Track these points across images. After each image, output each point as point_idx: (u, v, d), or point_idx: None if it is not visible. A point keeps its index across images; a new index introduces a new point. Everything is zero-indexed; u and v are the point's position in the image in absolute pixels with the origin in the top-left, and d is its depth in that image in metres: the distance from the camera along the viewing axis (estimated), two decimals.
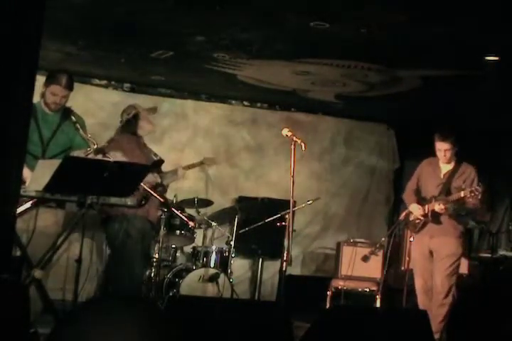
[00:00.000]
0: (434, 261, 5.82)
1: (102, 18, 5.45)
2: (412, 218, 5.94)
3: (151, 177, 5.95)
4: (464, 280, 6.97)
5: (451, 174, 5.86)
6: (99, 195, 4.60)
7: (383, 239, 6.92)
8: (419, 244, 5.91)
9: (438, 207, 5.71)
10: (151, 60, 6.51)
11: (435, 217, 5.80)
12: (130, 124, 6.21)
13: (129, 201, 4.84)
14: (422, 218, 5.84)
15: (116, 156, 5.16)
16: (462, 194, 5.60)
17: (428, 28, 5.12)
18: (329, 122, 8.56)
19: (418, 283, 5.92)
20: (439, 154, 5.84)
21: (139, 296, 5.26)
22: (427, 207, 5.84)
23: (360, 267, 7.19)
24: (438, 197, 5.81)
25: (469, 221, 6.71)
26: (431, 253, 5.85)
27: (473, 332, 3.49)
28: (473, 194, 5.52)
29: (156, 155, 6.36)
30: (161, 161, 6.41)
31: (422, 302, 5.88)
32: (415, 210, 5.89)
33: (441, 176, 5.90)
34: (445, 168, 5.92)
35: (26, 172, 4.56)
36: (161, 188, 6.03)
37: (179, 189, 7.08)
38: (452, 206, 5.71)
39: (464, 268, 7.07)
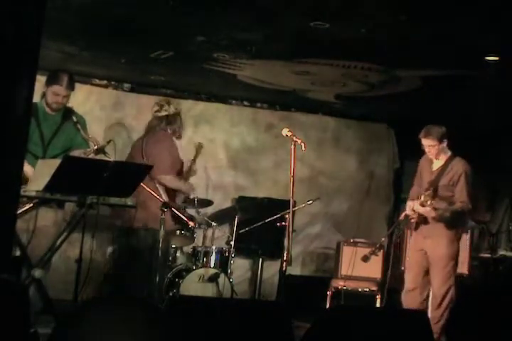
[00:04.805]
0: (430, 264, 5.78)
1: (102, 18, 5.45)
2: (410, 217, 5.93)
3: (183, 186, 6.00)
4: (464, 280, 6.97)
5: (441, 171, 5.85)
6: (99, 195, 4.61)
7: (383, 239, 6.91)
8: (415, 242, 5.91)
9: (422, 209, 5.70)
10: (151, 60, 6.51)
11: (422, 218, 5.79)
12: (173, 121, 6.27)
13: (129, 201, 4.85)
14: (414, 217, 5.83)
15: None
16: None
17: (428, 28, 5.12)
18: (329, 122, 8.56)
19: (407, 278, 5.85)
20: (426, 150, 5.87)
21: (138, 296, 5.26)
22: (412, 203, 5.82)
23: (360, 267, 7.18)
24: (425, 197, 5.73)
25: (468, 220, 6.70)
26: (426, 252, 5.83)
27: (473, 332, 3.49)
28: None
29: None
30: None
31: (405, 301, 5.79)
32: (407, 208, 5.90)
33: (432, 172, 5.92)
34: (436, 163, 5.91)
35: (29, 169, 4.58)
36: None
37: None
38: (438, 211, 5.69)
39: (464, 268, 7.07)
